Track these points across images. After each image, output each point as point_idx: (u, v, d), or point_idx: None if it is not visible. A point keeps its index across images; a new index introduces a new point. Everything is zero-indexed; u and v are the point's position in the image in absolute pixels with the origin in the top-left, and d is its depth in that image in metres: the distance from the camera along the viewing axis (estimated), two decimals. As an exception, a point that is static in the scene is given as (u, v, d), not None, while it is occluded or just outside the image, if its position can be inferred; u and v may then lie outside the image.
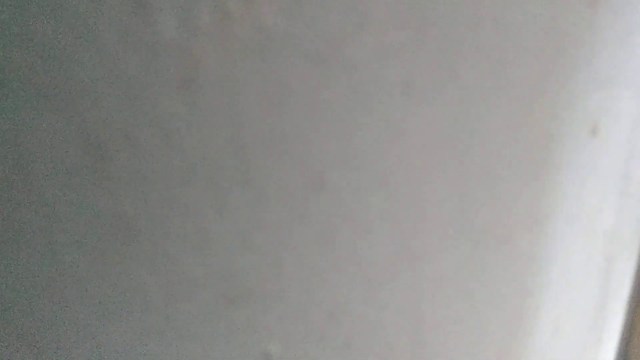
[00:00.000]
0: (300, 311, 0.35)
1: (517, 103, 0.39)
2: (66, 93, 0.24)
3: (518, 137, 0.40)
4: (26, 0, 0.22)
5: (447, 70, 0.34)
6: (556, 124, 0.41)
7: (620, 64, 0.43)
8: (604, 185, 0.50)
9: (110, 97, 0.24)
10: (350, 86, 0.30)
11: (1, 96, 0.24)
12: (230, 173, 0.28)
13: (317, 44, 0.28)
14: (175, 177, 0.27)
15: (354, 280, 0.37)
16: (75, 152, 0.25)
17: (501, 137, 0.40)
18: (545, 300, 0.53)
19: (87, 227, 0.27)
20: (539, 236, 0.46)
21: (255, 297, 0.32)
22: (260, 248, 0.31)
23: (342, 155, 0.32)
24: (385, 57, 0.31)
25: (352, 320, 0.38)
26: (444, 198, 0.39)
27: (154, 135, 0.26)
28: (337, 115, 0.31)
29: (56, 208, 0.26)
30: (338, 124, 0.31)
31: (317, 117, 0.30)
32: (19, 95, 0.24)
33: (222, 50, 0.26)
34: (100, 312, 0.28)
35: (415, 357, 0.44)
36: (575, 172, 0.46)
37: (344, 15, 0.28)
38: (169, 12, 0.25)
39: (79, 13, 0.23)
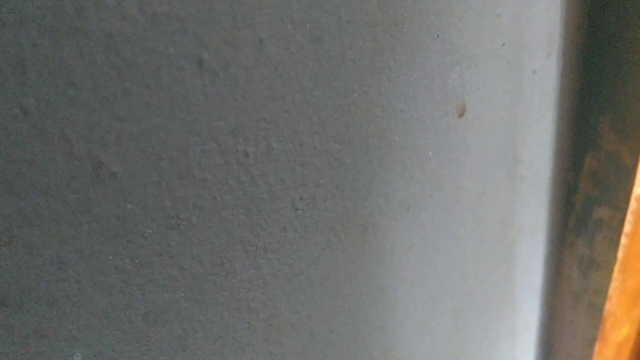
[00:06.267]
0: (107, 313, 0.32)
1: (348, 78, 0.35)
2: None
3: (360, 118, 0.37)
4: None
5: (252, 44, 0.30)
6: (410, 103, 0.37)
7: (479, 37, 0.39)
8: (486, 168, 0.46)
9: None
10: (116, 60, 0.27)
11: None
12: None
13: (51, 17, 0.24)
14: None
15: (174, 277, 0.34)
16: None
17: (340, 117, 0.36)
18: (438, 291, 0.50)
19: None
20: (412, 224, 0.43)
21: (39, 300, 0.29)
22: (31, 246, 0.28)
23: (127, 138, 0.28)
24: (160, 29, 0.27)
25: (181, 320, 0.35)
26: (281, 186, 0.36)
27: None
28: (105, 91, 0.27)
29: None
30: (111, 101, 0.27)
31: (78, 94, 0.26)
32: None
33: None
34: None
35: None
36: (447, 155, 0.42)
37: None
38: None
39: None
